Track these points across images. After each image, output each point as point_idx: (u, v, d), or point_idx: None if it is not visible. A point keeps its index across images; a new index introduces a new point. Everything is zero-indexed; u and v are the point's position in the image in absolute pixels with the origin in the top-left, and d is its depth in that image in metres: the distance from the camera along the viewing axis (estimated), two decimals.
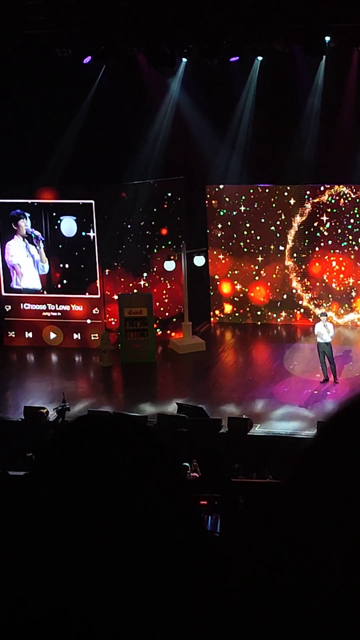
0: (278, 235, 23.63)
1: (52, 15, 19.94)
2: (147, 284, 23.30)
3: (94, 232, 22.61)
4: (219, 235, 23.98)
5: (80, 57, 21.60)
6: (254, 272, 23.98)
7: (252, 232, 23.79)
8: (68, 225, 22.81)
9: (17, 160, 22.22)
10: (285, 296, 23.85)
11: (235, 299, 24.23)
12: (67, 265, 22.97)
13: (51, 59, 21.30)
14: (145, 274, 23.34)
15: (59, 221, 22.80)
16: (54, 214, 22.78)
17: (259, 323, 24.10)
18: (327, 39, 20.17)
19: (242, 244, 23.93)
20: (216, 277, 24.22)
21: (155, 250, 23.20)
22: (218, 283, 24.27)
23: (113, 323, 22.94)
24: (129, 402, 19.84)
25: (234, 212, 23.79)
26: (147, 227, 23.09)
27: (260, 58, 21.89)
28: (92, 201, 22.55)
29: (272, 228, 23.64)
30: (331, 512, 1.34)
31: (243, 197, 23.67)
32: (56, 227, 22.82)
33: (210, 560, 1.53)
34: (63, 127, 22.63)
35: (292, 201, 23.42)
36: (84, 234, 22.64)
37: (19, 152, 22.18)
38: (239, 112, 23.01)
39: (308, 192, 23.24)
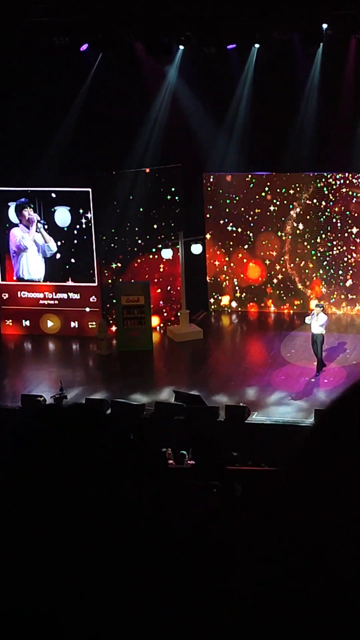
0: (275, 222, 23.63)
1: (50, 3, 19.89)
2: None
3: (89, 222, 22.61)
4: (216, 220, 23.99)
5: (77, 45, 21.55)
6: (251, 261, 23.99)
7: (250, 219, 23.78)
8: (62, 216, 22.80)
9: (14, 148, 22.16)
10: (282, 284, 23.87)
11: (234, 287, 24.24)
12: (64, 254, 22.99)
13: (48, 47, 21.24)
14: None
15: (52, 210, 22.78)
16: (49, 203, 22.77)
17: (256, 311, 24.12)
18: (325, 26, 20.12)
19: (239, 230, 23.91)
20: (214, 264, 24.25)
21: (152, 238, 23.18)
22: (216, 271, 24.29)
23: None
24: (126, 390, 19.84)
25: (231, 199, 23.77)
26: (144, 215, 23.04)
27: (257, 46, 21.84)
28: (89, 189, 22.53)
29: (270, 216, 23.63)
30: (334, 500, 1.33)
31: (239, 185, 23.66)
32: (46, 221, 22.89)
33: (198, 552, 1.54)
34: (60, 115, 22.58)
35: (290, 189, 23.41)
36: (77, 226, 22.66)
37: (15, 140, 22.12)
38: (236, 100, 22.97)
39: (305, 179, 23.24)
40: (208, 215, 23.94)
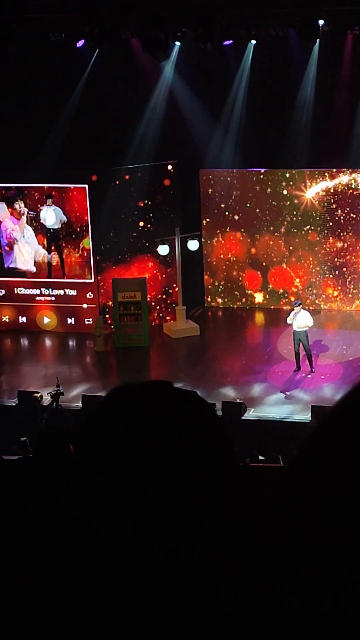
0: (272, 218, 23.63)
1: None
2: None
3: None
4: (213, 216, 23.99)
5: (73, 41, 21.52)
6: (248, 257, 24.00)
7: (245, 216, 23.77)
8: (47, 215, 22.83)
9: (10, 144, 22.14)
10: (278, 281, 23.88)
11: (229, 283, 24.24)
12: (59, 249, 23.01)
13: (45, 43, 21.20)
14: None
15: (39, 209, 22.82)
16: (39, 201, 22.83)
17: (253, 307, 24.11)
18: (321, 22, 20.11)
19: (235, 227, 23.91)
20: (209, 261, 24.25)
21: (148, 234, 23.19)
22: (211, 267, 24.29)
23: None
24: None
25: (227, 196, 23.77)
26: (141, 212, 23.02)
27: (254, 42, 21.81)
28: (86, 185, 22.51)
29: (266, 212, 23.62)
30: (335, 501, 1.31)
31: (236, 181, 23.65)
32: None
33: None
34: (56, 111, 22.55)
35: (285, 185, 23.40)
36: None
37: (11, 137, 22.10)
38: (232, 96, 22.96)
39: (302, 175, 23.23)
40: (206, 212, 23.95)
